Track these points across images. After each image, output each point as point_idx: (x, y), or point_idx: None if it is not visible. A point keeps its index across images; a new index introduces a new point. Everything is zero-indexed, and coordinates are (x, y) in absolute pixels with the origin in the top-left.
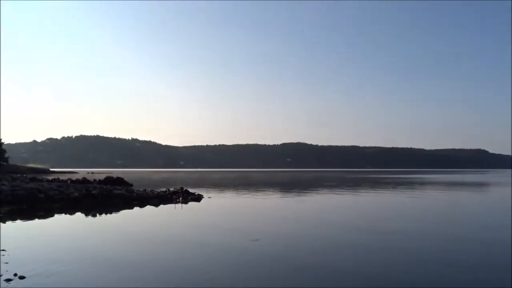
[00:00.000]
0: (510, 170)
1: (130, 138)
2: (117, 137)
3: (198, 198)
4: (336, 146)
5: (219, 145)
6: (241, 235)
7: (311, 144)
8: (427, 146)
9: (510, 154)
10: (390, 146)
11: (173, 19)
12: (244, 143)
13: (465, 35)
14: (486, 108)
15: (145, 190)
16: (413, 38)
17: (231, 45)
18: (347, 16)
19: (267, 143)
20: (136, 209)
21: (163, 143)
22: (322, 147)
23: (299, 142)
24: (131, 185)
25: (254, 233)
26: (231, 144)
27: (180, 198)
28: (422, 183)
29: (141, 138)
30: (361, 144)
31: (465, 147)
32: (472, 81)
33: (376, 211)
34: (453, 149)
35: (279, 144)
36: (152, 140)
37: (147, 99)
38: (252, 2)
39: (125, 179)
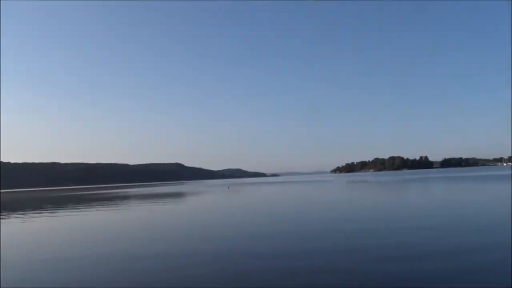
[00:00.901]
0: (201, 181)
1: None
2: None
3: None
4: (32, 163)
5: None
6: None
7: None
8: (131, 161)
9: (200, 166)
10: (94, 162)
11: None
12: None
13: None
14: (183, 127)
15: None
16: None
17: None
18: None
19: None
20: None
21: None
22: (16, 164)
23: None
24: None
25: None
26: None
27: None
28: (125, 197)
29: None
30: (62, 161)
31: (165, 161)
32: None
33: (77, 233)
34: (155, 164)
35: None
36: None
37: None
38: None
39: None
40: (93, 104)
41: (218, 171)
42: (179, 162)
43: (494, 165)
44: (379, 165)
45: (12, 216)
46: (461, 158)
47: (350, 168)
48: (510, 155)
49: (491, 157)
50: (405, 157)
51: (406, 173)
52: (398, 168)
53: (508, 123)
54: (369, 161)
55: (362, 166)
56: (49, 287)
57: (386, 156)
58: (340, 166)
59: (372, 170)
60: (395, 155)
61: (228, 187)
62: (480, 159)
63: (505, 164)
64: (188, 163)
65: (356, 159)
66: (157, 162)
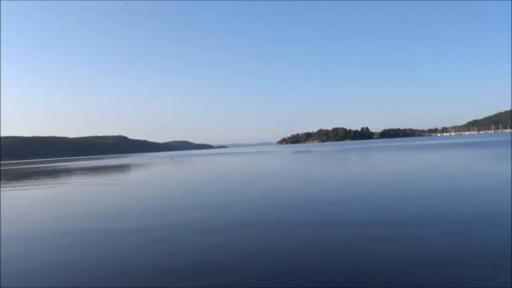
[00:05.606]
0: (146, 153)
1: None
2: None
3: None
4: None
5: None
6: None
7: None
8: (70, 134)
9: (145, 139)
10: (30, 135)
11: None
12: None
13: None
14: (127, 100)
15: None
16: None
17: None
18: None
19: None
20: None
21: None
22: None
23: None
24: None
25: None
26: None
27: None
28: (67, 170)
29: None
30: None
31: (108, 134)
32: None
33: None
34: (96, 136)
35: None
36: None
37: None
38: None
39: None
40: (29, 74)
41: (164, 144)
42: (123, 134)
43: (429, 135)
44: (323, 136)
45: None
46: (399, 129)
47: (295, 139)
48: (444, 127)
49: (426, 128)
50: (347, 128)
51: (349, 143)
52: (341, 138)
53: (440, 97)
54: (313, 132)
55: (307, 137)
56: None
57: (329, 128)
58: (286, 137)
59: (316, 141)
60: (338, 126)
61: (173, 159)
62: (417, 130)
63: (438, 135)
64: (132, 135)
65: (301, 130)
66: (99, 135)
